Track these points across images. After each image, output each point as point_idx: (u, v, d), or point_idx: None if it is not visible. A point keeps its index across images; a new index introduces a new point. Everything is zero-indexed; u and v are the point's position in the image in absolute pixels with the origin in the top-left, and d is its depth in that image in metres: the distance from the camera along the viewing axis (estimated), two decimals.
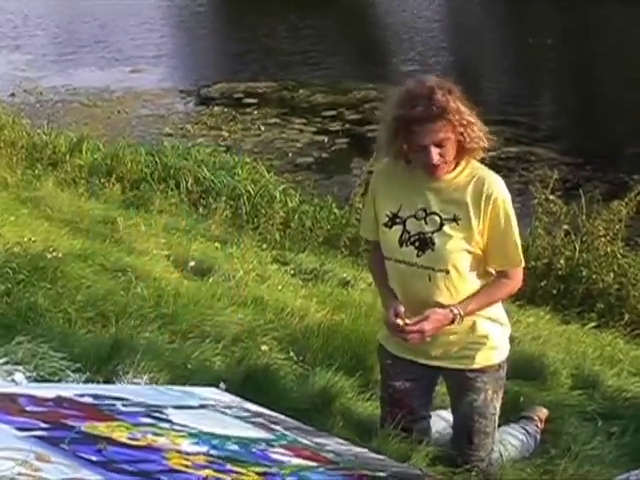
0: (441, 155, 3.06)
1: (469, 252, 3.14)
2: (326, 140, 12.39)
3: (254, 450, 2.64)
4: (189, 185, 8.61)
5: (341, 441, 3.14)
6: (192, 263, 5.38)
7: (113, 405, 2.75)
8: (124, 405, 2.77)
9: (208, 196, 8.44)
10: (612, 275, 6.79)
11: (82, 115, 13.37)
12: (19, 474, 1.99)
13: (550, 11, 21.30)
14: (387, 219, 3.21)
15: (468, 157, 3.14)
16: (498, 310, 3.31)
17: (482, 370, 3.25)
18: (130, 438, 2.45)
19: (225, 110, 13.89)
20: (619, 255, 6.95)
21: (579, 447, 3.64)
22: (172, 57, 18.82)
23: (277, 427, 3.00)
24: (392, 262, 3.22)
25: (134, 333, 3.85)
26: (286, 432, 2.96)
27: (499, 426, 3.44)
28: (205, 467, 2.38)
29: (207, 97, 14.91)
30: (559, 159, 11.19)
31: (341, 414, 3.57)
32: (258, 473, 2.44)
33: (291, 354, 4.08)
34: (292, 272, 6.14)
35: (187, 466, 2.36)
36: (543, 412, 3.84)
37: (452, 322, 3.15)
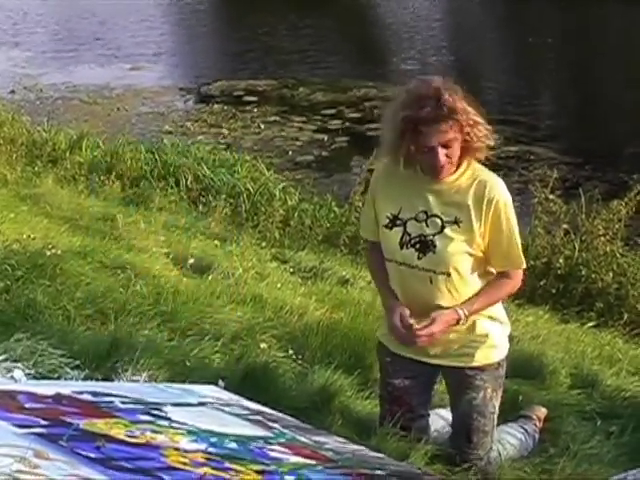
0: (447, 156, 3.07)
1: (470, 254, 3.15)
2: (326, 138, 12.39)
3: (252, 448, 2.64)
4: (189, 183, 8.61)
5: (340, 439, 3.14)
6: (191, 261, 5.38)
7: (112, 402, 2.75)
8: (123, 402, 2.77)
9: (208, 194, 8.44)
10: (611, 274, 6.80)
11: (82, 112, 13.37)
12: (18, 471, 1.99)
13: (550, 11, 21.29)
14: (387, 221, 3.21)
15: (470, 158, 3.14)
16: (498, 309, 3.32)
17: (481, 368, 3.26)
18: (129, 435, 2.45)
19: (225, 108, 13.89)
20: (618, 254, 6.96)
21: (578, 446, 3.64)
22: (172, 55, 18.81)
23: (275, 425, 3.00)
24: (393, 264, 3.22)
25: (133, 330, 3.85)
26: (285, 430, 2.96)
27: (498, 425, 3.44)
28: (203, 465, 2.38)
29: (207, 95, 14.90)
30: (559, 158, 11.20)
31: (340, 412, 3.57)
32: (256, 471, 2.44)
33: (290, 352, 4.07)
34: (291, 270, 6.13)
35: (185, 463, 2.36)
36: (542, 411, 3.84)
37: (457, 322, 3.16)
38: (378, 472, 2.87)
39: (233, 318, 4.36)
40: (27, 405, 2.52)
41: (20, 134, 9.30)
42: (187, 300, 4.37)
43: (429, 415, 3.44)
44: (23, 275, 4.25)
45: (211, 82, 15.57)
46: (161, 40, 19.82)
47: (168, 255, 5.50)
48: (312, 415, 3.44)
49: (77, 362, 3.38)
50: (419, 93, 3.05)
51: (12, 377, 2.95)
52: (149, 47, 18.79)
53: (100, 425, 2.46)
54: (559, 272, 6.88)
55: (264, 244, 7.05)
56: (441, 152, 3.05)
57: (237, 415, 3.02)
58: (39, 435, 2.25)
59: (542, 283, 6.74)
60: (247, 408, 3.15)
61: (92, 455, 2.22)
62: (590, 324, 6.21)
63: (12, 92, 14.52)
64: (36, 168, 8.44)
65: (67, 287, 4.25)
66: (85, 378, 3.28)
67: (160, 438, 2.51)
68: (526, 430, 3.68)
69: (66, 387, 2.84)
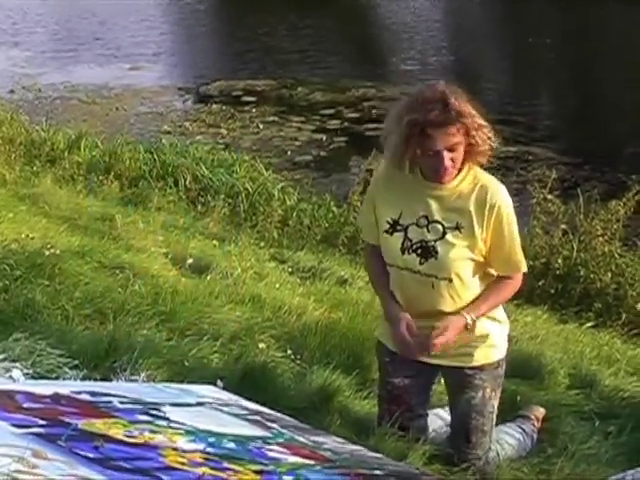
0: (452, 160, 3.07)
1: (472, 260, 3.16)
2: (324, 138, 12.39)
3: (251, 448, 2.64)
4: (187, 183, 8.61)
5: (338, 439, 3.14)
6: (190, 261, 5.38)
7: (110, 402, 2.75)
8: (121, 402, 2.77)
9: (206, 194, 8.43)
10: (610, 275, 6.80)
11: (81, 112, 13.36)
12: (16, 471, 1.99)
13: (550, 11, 21.29)
14: (388, 226, 3.21)
15: (472, 163, 3.14)
16: (497, 309, 3.32)
17: (481, 368, 3.27)
18: (127, 435, 2.45)
19: (224, 108, 13.89)
20: (617, 255, 6.96)
21: (576, 446, 3.64)
22: (171, 55, 18.81)
23: (274, 425, 3.00)
24: (394, 269, 3.22)
25: (132, 330, 3.85)
26: (283, 430, 2.97)
27: (496, 425, 3.45)
28: (202, 465, 2.38)
29: (206, 95, 14.90)
30: (557, 159, 11.20)
31: (338, 412, 3.57)
32: (255, 471, 2.45)
33: (289, 352, 4.07)
34: (290, 270, 6.13)
35: (184, 463, 2.36)
36: (540, 411, 3.84)
37: (465, 328, 3.17)
38: (376, 472, 2.87)
39: (232, 318, 4.36)
40: (25, 405, 2.52)
41: (19, 134, 9.29)
42: (186, 300, 4.37)
43: (428, 415, 3.45)
44: (22, 275, 4.25)
45: (210, 82, 15.57)
46: (160, 40, 19.82)
47: (167, 255, 5.50)
48: (310, 415, 3.44)
49: (75, 362, 3.38)
50: (425, 97, 3.05)
51: (10, 377, 2.95)
52: (148, 47, 18.78)
53: (98, 425, 2.47)
54: (557, 272, 6.88)
55: (263, 244, 7.04)
56: (447, 156, 3.06)
57: (235, 415, 3.03)
58: (37, 435, 2.25)
59: (540, 283, 6.74)
60: (246, 408, 3.15)
61: (90, 455, 2.22)
62: (588, 324, 6.21)
63: (11, 92, 14.52)
64: (35, 168, 8.43)
65: (66, 287, 4.25)
66: (83, 378, 3.28)
67: (158, 438, 2.51)
68: (524, 430, 3.68)
69: (64, 387, 2.84)
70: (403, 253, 3.18)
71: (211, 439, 2.60)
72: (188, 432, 2.62)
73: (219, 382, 3.45)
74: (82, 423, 2.44)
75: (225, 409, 3.06)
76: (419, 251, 3.16)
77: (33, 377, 3.13)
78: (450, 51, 19.02)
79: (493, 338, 3.28)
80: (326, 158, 11.72)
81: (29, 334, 3.46)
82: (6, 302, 3.95)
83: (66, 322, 3.88)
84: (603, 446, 3.74)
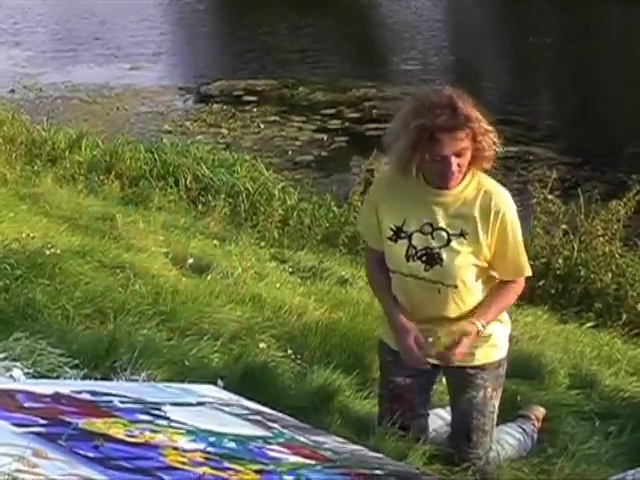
0: (459, 165, 3.07)
1: (476, 266, 3.17)
2: (325, 138, 12.39)
3: (251, 447, 2.64)
4: (188, 182, 8.61)
5: (339, 439, 3.14)
6: (190, 260, 5.38)
7: (110, 402, 2.75)
8: (122, 402, 2.77)
9: (207, 194, 8.43)
10: (610, 275, 6.80)
11: (81, 111, 13.37)
12: (16, 470, 1.99)
13: (550, 11, 21.28)
14: (391, 233, 3.20)
15: (476, 168, 3.14)
16: None
17: (482, 367, 3.27)
18: (127, 435, 2.45)
19: (224, 108, 13.89)
20: (617, 255, 6.96)
21: (576, 446, 3.64)
22: (172, 54, 18.80)
23: (275, 425, 3.00)
24: (398, 275, 3.22)
25: (132, 330, 3.85)
26: (283, 430, 2.97)
27: (496, 425, 3.45)
28: (202, 464, 2.38)
29: (206, 95, 14.90)
30: (558, 159, 11.20)
31: (339, 412, 3.57)
32: (255, 470, 2.45)
33: (289, 352, 4.07)
34: (290, 270, 6.13)
35: (184, 463, 2.36)
36: (540, 411, 3.84)
37: (477, 334, 3.18)
38: (377, 472, 2.87)
39: (232, 318, 4.36)
40: (26, 404, 2.52)
41: (19, 133, 9.29)
42: (186, 300, 4.37)
43: (428, 415, 3.45)
44: (22, 274, 4.25)
45: (211, 82, 15.57)
46: (161, 40, 19.81)
47: (167, 255, 5.50)
48: (311, 415, 3.44)
49: (76, 361, 3.38)
50: (432, 101, 3.05)
51: (11, 376, 2.95)
52: (149, 47, 18.78)
53: (99, 424, 2.47)
54: (558, 272, 6.88)
55: (263, 244, 7.04)
56: (454, 161, 3.05)
57: (236, 415, 3.03)
58: (38, 434, 2.25)
59: (541, 283, 6.74)
60: (246, 408, 3.15)
61: (91, 454, 2.22)
62: (589, 324, 6.21)
63: (12, 91, 14.52)
64: (35, 167, 8.44)
65: (66, 286, 4.25)
66: (84, 377, 3.28)
67: (159, 437, 2.51)
68: (524, 430, 3.68)
69: (65, 386, 2.84)
70: (408, 260, 3.17)
71: (212, 439, 2.60)
72: (189, 432, 2.62)
73: (220, 382, 3.45)
74: (82, 422, 2.44)
75: (226, 409, 3.06)
76: (424, 258, 3.16)
77: (34, 376, 3.13)
78: (451, 51, 19.01)
79: (495, 338, 3.29)
80: (327, 158, 11.71)
81: (30, 333, 3.46)
82: (7, 301, 3.95)
83: (67, 321, 3.88)
84: (603, 446, 3.74)
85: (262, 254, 6.43)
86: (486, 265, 3.19)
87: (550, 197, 7.22)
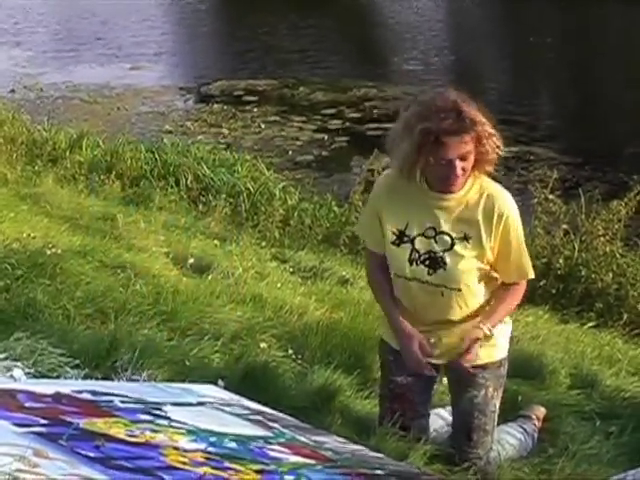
0: (463, 169, 3.07)
1: (480, 269, 3.17)
2: (326, 138, 12.39)
3: (252, 447, 2.64)
4: (189, 182, 8.60)
5: (339, 439, 3.14)
6: (191, 260, 5.38)
7: (111, 402, 2.75)
8: (122, 402, 2.77)
9: (208, 193, 8.43)
10: (611, 275, 6.79)
11: (82, 111, 13.37)
12: (17, 470, 1.99)
13: (550, 11, 21.28)
14: (394, 237, 3.20)
15: (479, 172, 3.15)
16: None
17: (484, 366, 3.27)
18: (128, 435, 2.46)
19: (225, 108, 13.89)
20: (618, 255, 6.95)
21: (577, 446, 3.64)
22: (172, 54, 18.80)
23: (275, 425, 3.00)
24: (402, 279, 3.22)
25: (133, 330, 3.85)
26: (284, 430, 2.97)
27: (497, 425, 3.45)
28: (203, 464, 2.38)
29: (207, 94, 14.90)
30: (559, 159, 11.19)
31: (339, 412, 3.57)
32: (256, 470, 2.45)
33: (290, 352, 4.07)
34: (291, 270, 6.13)
35: (185, 463, 2.36)
36: (541, 411, 3.84)
37: (484, 338, 3.19)
38: (377, 472, 2.87)
39: (233, 318, 4.36)
40: (27, 404, 2.52)
41: (20, 133, 9.29)
42: (187, 300, 4.37)
43: (429, 415, 3.45)
44: (23, 274, 4.25)
45: (211, 82, 15.57)
46: (162, 40, 19.82)
47: (168, 255, 5.50)
48: (312, 415, 3.44)
49: (77, 361, 3.38)
50: (437, 105, 3.04)
51: (12, 376, 2.95)
52: (150, 47, 18.78)
53: (100, 424, 2.47)
54: (559, 272, 6.88)
55: (264, 244, 7.04)
56: (458, 165, 3.05)
57: (237, 415, 3.03)
58: (39, 434, 2.25)
59: (542, 283, 6.73)
60: (247, 408, 3.15)
61: (92, 454, 2.22)
62: (590, 324, 6.21)
63: (12, 91, 14.52)
64: (36, 167, 8.43)
65: (67, 286, 4.25)
66: (85, 377, 3.28)
67: (160, 437, 2.51)
68: (525, 430, 3.68)
69: (66, 386, 2.85)
70: (411, 264, 3.18)
71: (212, 439, 2.60)
72: (189, 432, 2.62)
73: (220, 382, 3.45)
74: (83, 422, 2.44)
75: (226, 409, 3.06)
76: (427, 262, 3.16)
77: (34, 376, 3.13)
78: (451, 51, 19.01)
79: (496, 338, 3.29)
80: (327, 158, 11.71)
81: (30, 333, 3.46)
82: (7, 301, 3.95)
83: (67, 321, 3.88)
84: (604, 446, 3.74)
85: (263, 254, 6.43)
86: (489, 268, 3.19)
87: (551, 197, 7.21)
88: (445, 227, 3.15)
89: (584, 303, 6.70)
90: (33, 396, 2.61)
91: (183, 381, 3.40)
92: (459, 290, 3.17)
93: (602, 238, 6.98)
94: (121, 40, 19.31)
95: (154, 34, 20.18)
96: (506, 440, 3.56)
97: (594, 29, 19.04)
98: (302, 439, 2.92)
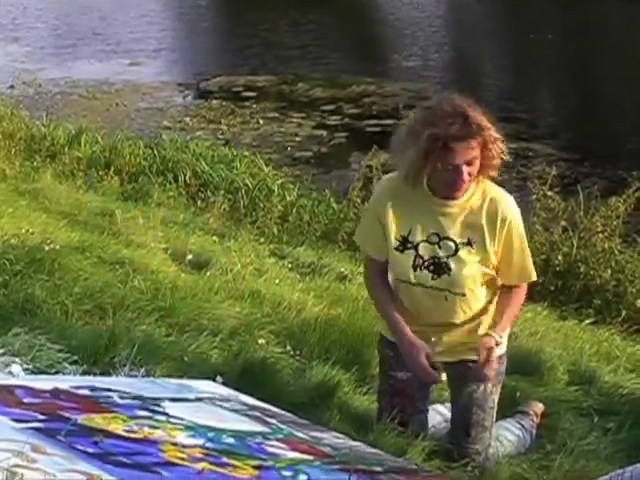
0: (469, 174, 3.08)
1: (483, 273, 3.18)
2: (325, 134, 12.38)
3: (250, 443, 2.64)
4: (187, 178, 8.60)
5: (337, 435, 3.14)
6: (190, 256, 5.38)
7: (109, 397, 2.75)
8: (121, 397, 2.77)
9: (206, 189, 8.43)
10: (609, 271, 6.79)
11: (81, 107, 13.36)
12: (15, 465, 1.99)
13: (550, 8, 21.27)
14: (397, 243, 3.20)
15: (483, 176, 3.15)
16: None
17: None
18: (126, 430, 2.45)
19: (224, 104, 13.87)
20: (617, 252, 6.95)
21: (575, 443, 3.65)
22: (172, 50, 18.78)
23: (273, 420, 3.00)
24: (405, 284, 3.23)
25: (131, 326, 3.85)
26: (282, 425, 2.97)
27: (495, 421, 3.45)
28: (201, 460, 2.38)
29: (206, 90, 14.88)
30: (558, 155, 11.19)
31: (338, 408, 3.57)
32: (254, 466, 2.45)
33: (288, 348, 4.08)
34: (289, 266, 6.13)
35: (183, 459, 2.36)
36: (539, 407, 3.84)
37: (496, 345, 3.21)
38: (375, 468, 2.87)
39: (231, 314, 4.36)
40: (25, 400, 2.52)
41: (19, 129, 9.29)
42: (185, 296, 4.37)
43: (428, 411, 3.45)
44: (21, 270, 4.25)
45: (210, 78, 15.55)
46: (161, 36, 19.79)
47: (166, 251, 5.50)
48: (310, 411, 3.44)
49: (75, 357, 3.39)
50: (444, 110, 3.05)
51: (10, 372, 2.96)
52: (149, 42, 18.76)
53: (98, 420, 2.47)
54: (557, 269, 6.88)
55: (262, 240, 7.04)
56: (465, 170, 3.06)
57: (235, 410, 3.03)
58: (37, 430, 2.25)
59: (540, 280, 6.72)
60: (245, 404, 3.15)
61: (90, 450, 2.22)
62: (588, 321, 6.21)
63: (11, 87, 14.51)
64: (35, 163, 8.43)
65: (65, 282, 4.25)
66: (83, 373, 3.28)
67: (158, 433, 2.51)
68: (523, 426, 3.69)
69: (64, 382, 2.85)
70: (415, 270, 3.18)
71: (210, 434, 2.60)
72: (187, 427, 2.62)
73: (218, 377, 3.45)
74: (82, 418, 2.44)
75: (224, 404, 3.06)
76: (431, 267, 3.17)
77: (33, 372, 3.13)
78: (451, 47, 19.00)
79: None
80: (326, 154, 11.71)
81: (29, 329, 3.46)
82: (6, 297, 3.96)
83: (66, 317, 3.88)
84: (602, 442, 3.75)
85: (261, 250, 6.43)
86: (493, 272, 3.21)
87: (550, 194, 7.21)
88: (449, 233, 3.16)
89: (583, 300, 6.70)
90: (31, 392, 2.61)
91: (181, 377, 3.40)
92: (463, 295, 3.19)
93: (601, 235, 6.98)
94: (120, 36, 19.29)
95: (153, 30, 20.16)
96: (504, 436, 3.56)
97: (594, 26, 19.03)
98: (300, 435, 2.92)
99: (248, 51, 17.76)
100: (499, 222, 3.14)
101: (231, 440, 2.61)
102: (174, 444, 2.44)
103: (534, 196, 7.27)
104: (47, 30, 20.30)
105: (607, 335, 5.83)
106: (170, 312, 4.16)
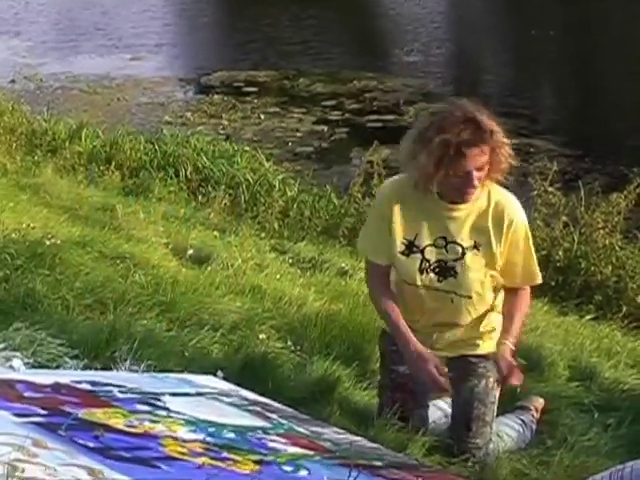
0: (479, 179, 3.08)
1: (491, 276, 3.19)
2: (326, 129, 12.37)
3: (251, 438, 2.64)
4: (188, 173, 8.60)
5: (338, 430, 3.14)
6: (190, 251, 5.38)
7: (110, 392, 2.76)
8: (121, 392, 2.78)
9: (207, 184, 8.43)
10: (610, 267, 6.79)
11: (82, 102, 13.35)
12: (16, 459, 1.99)
13: (552, 4, 21.23)
14: (403, 247, 3.20)
15: (490, 180, 3.16)
16: (502, 301, 3.35)
17: (485, 357, 3.30)
18: (127, 425, 2.46)
19: (225, 99, 13.86)
20: (617, 247, 6.95)
21: (575, 438, 3.64)
22: (173, 45, 18.76)
23: (274, 415, 3.00)
24: (412, 287, 3.23)
25: (132, 320, 3.85)
26: (283, 421, 2.97)
27: (496, 417, 3.45)
28: (202, 454, 2.38)
29: (207, 85, 14.87)
30: (559, 151, 11.18)
31: (338, 403, 3.57)
32: (254, 461, 2.45)
33: (289, 343, 4.08)
34: (290, 261, 6.13)
35: (184, 453, 2.36)
36: (539, 402, 3.84)
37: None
38: (376, 463, 2.87)
39: (232, 309, 4.36)
40: (26, 394, 2.53)
41: (20, 123, 9.29)
42: (186, 290, 4.37)
43: (429, 406, 3.46)
44: (22, 264, 4.25)
45: (211, 73, 15.53)
46: (162, 31, 19.77)
47: (167, 245, 5.50)
48: (310, 406, 3.44)
49: (76, 351, 3.38)
50: (454, 116, 3.05)
51: (11, 366, 2.96)
52: (150, 37, 18.74)
53: (99, 414, 2.47)
54: (558, 265, 6.88)
55: (263, 235, 7.04)
56: (475, 176, 3.06)
57: (235, 405, 3.03)
58: (38, 424, 2.26)
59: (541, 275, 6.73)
60: (245, 398, 3.16)
61: (91, 444, 2.22)
62: (589, 317, 6.21)
63: (12, 81, 14.50)
64: (36, 157, 8.43)
65: (66, 277, 4.25)
66: (84, 368, 3.28)
67: (158, 428, 2.51)
68: (523, 421, 3.68)
69: (65, 376, 2.85)
70: (422, 273, 3.19)
71: (211, 429, 2.61)
72: (188, 422, 2.62)
73: (219, 372, 3.45)
74: (82, 412, 2.44)
75: (225, 399, 3.06)
76: (437, 270, 3.18)
77: (33, 366, 3.13)
78: (453, 43, 18.97)
79: (498, 330, 3.31)
80: (327, 149, 11.70)
81: (29, 324, 3.46)
82: (6, 292, 3.95)
83: (66, 312, 3.88)
84: (602, 438, 3.75)
85: (262, 245, 6.43)
86: (498, 274, 3.21)
87: (550, 189, 7.21)
88: (456, 236, 3.17)
89: (583, 295, 6.70)
90: (32, 386, 2.61)
91: (182, 372, 3.40)
92: (469, 297, 3.19)
93: (601, 230, 6.98)
94: (121, 31, 19.27)
95: (155, 25, 20.13)
96: (504, 432, 3.56)
97: (596, 22, 19.01)
98: (301, 430, 2.92)
99: (249, 46, 17.74)
100: (505, 224, 3.16)
101: (232, 435, 2.62)
102: (175, 439, 2.45)
103: (535, 192, 7.27)
104: (49, 25, 20.27)
105: (608, 331, 5.83)
106: (171, 307, 4.16)
